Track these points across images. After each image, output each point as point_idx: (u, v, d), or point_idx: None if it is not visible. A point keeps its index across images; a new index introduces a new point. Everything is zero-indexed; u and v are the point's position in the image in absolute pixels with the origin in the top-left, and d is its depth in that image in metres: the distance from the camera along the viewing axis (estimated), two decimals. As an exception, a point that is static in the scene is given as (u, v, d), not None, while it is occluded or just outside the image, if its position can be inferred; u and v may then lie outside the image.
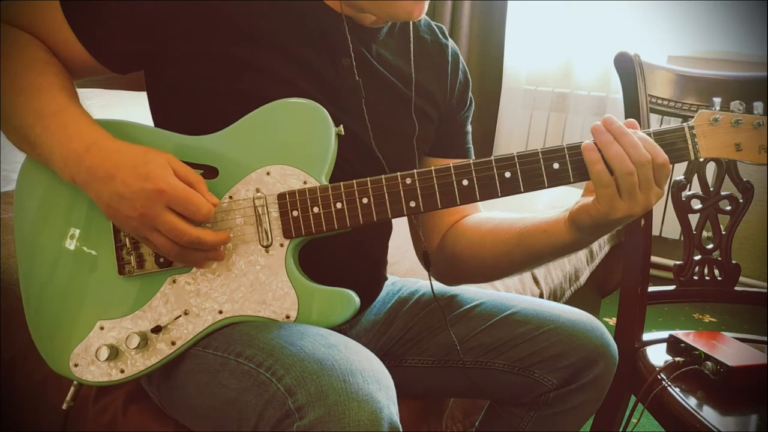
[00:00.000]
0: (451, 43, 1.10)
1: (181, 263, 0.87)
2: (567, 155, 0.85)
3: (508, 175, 0.86)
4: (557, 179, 0.85)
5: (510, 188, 0.86)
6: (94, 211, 0.87)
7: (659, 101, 1.34)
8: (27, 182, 0.92)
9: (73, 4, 0.90)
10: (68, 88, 0.89)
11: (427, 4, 0.92)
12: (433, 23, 1.09)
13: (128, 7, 0.89)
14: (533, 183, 0.86)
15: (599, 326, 1.05)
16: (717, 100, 0.88)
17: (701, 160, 0.88)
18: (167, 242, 0.82)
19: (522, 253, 0.97)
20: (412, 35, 1.02)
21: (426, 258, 1.00)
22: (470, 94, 1.13)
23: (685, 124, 0.87)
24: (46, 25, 0.90)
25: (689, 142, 0.86)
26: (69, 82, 0.90)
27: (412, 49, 1.01)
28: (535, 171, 0.85)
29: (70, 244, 0.90)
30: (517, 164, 0.85)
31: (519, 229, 0.97)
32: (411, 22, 1.03)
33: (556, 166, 0.85)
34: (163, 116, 0.98)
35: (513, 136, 3.08)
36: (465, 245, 1.05)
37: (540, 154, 0.85)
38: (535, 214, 0.97)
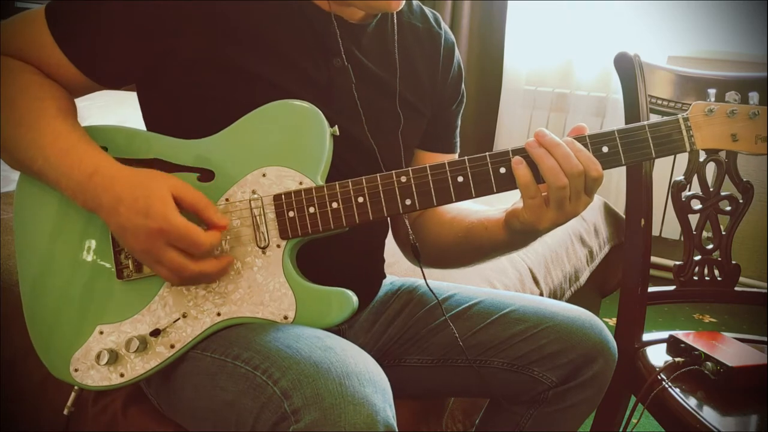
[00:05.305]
0: (445, 32, 1.08)
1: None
2: None
3: (503, 171, 0.86)
4: None
5: (505, 184, 0.86)
6: (92, 216, 0.86)
7: (659, 101, 1.34)
8: (26, 187, 0.91)
9: (61, 27, 0.88)
10: (64, 109, 0.88)
11: None
12: (428, 10, 1.08)
13: (117, 23, 0.87)
14: None
15: (598, 323, 1.05)
16: (712, 92, 0.88)
17: (697, 150, 0.88)
18: (171, 275, 0.83)
19: (468, 247, 0.99)
20: (396, 27, 1.01)
21: (415, 251, 1.01)
22: (463, 87, 1.12)
23: (680, 115, 0.86)
24: (36, 50, 0.89)
25: (684, 133, 0.86)
26: (66, 101, 0.90)
27: (396, 43, 1.00)
28: (530, 166, 0.86)
29: (69, 250, 0.89)
30: (512, 160, 0.86)
31: (468, 223, 0.99)
32: (401, 11, 1.02)
33: None
34: (156, 122, 0.97)
35: (513, 136, 3.07)
36: (427, 233, 1.07)
37: None
38: (489, 208, 0.98)
